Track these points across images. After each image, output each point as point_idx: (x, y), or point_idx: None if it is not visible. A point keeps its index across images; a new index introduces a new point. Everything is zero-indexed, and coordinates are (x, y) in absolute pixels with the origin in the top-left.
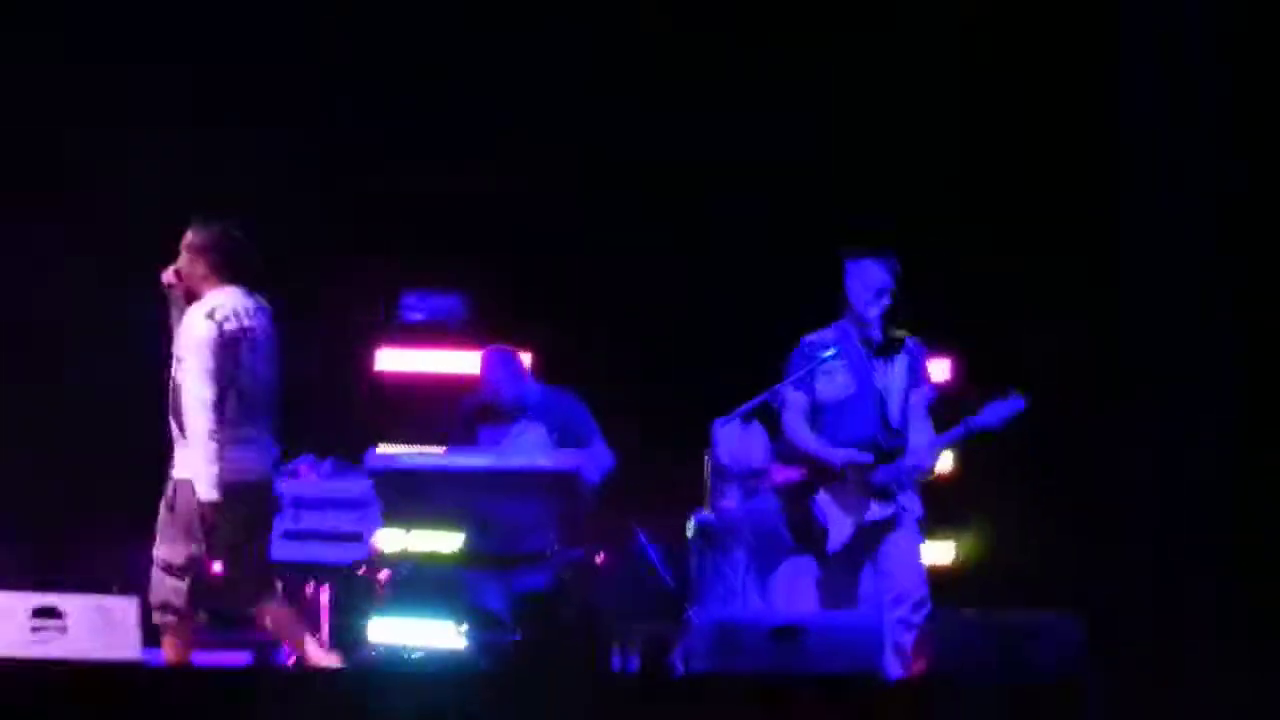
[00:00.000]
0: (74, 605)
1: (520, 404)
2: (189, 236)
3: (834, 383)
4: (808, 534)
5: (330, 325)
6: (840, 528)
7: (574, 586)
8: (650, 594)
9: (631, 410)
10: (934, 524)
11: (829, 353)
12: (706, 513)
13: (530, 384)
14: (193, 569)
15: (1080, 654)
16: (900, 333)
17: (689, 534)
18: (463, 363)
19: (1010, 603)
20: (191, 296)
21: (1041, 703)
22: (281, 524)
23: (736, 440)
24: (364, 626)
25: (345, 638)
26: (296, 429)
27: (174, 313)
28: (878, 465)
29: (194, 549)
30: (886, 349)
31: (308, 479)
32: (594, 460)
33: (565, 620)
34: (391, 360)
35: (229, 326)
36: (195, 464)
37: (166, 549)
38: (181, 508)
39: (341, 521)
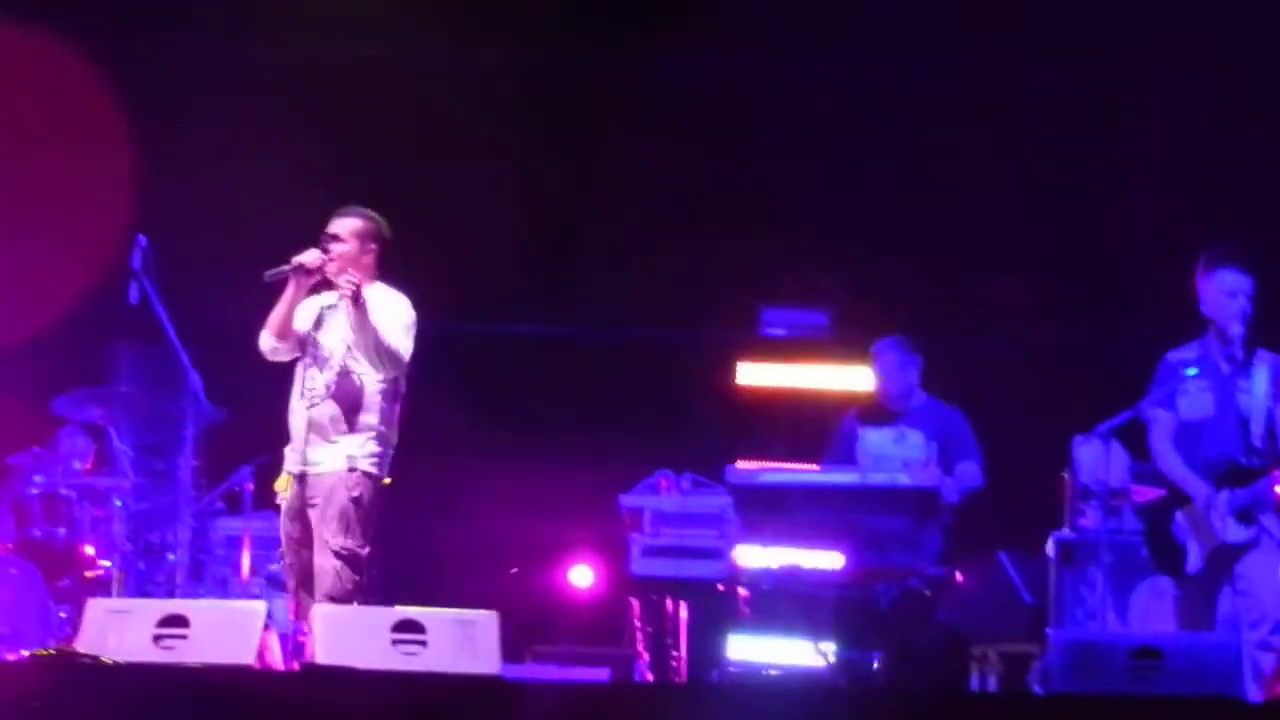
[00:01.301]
0: (435, 620)
1: (904, 403)
2: (358, 224)
3: (1195, 402)
4: (1166, 554)
5: (693, 340)
6: (1199, 548)
7: (935, 604)
8: (1009, 612)
9: (992, 427)
10: None
11: (1191, 371)
12: (1066, 531)
13: (917, 385)
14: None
15: None
16: (1262, 349)
17: (1048, 553)
18: (824, 378)
19: None
20: (328, 285)
21: None
22: (642, 539)
23: (1097, 459)
24: (723, 643)
25: (703, 655)
26: (655, 443)
27: (291, 296)
28: (1239, 487)
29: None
30: (1248, 365)
31: (668, 494)
32: (960, 479)
33: (927, 638)
34: (751, 375)
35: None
36: (371, 448)
37: (354, 541)
38: (366, 497)
39: (701, 537)
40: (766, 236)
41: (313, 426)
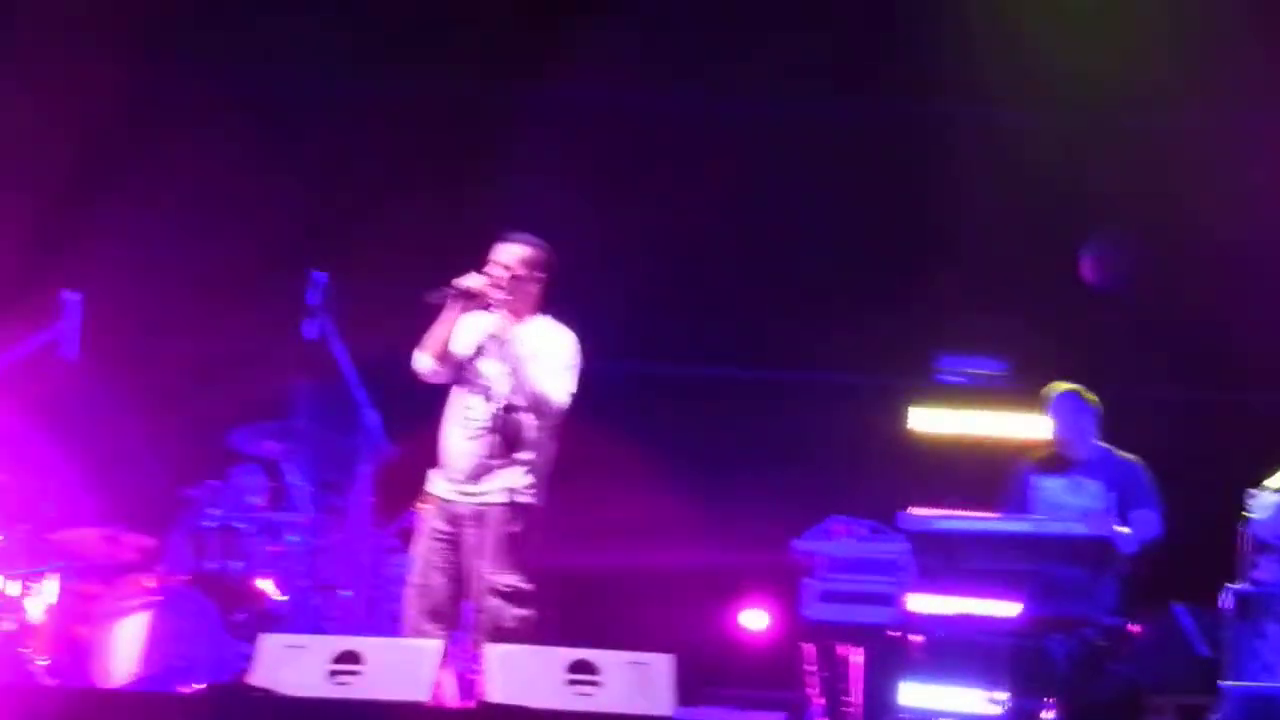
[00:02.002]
0: (610, 661)
1: (1079, 452)
2: (529, 252)
3: None
4: None
5: (865, 384)
6: None
7: (1110, 654)
8: (1184, 664)
9: (1168, 477)
10: None
11: None
12: (1242, 584)
13: (1092, 434)
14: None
15: None
16: None
17: (1224, 605)
18: (999, 425)
19: None
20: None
21: None
22: (815, 584)
23: (1273, 511)
24: (896, 690)
25: (877, 701)
26: (826, 487)
27: (450, 319)
28: None
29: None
30: None
31: (843, 540)
32: (1139, 528)
33: (1101, 689)
34: (923, 420)
35: None
36: (529, 480)
37: (516, 576)
38: (526, 530)
39: (875, 583)
40: (945, 282)
41: (471, 457)
